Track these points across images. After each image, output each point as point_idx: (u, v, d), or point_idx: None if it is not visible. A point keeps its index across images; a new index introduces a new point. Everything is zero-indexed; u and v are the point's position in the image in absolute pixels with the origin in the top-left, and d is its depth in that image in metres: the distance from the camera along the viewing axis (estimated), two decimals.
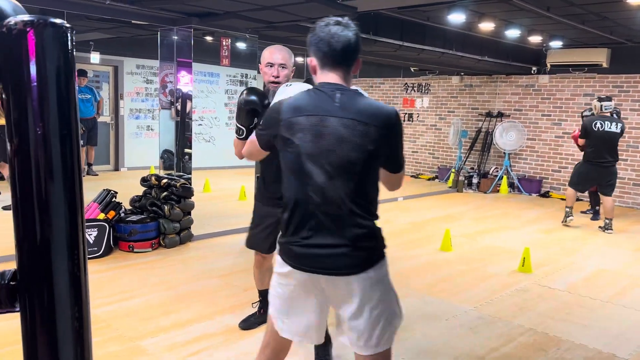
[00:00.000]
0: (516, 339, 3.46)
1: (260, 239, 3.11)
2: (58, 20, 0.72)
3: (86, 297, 0.79)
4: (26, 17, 0.72)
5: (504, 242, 6.10)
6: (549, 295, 4.36)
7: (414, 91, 11.45)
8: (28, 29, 0.70)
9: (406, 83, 11.54)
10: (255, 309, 3.51)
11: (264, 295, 3.32)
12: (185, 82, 5.69)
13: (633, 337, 3.58)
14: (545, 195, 9.52)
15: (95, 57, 8.77)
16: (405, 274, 4.70)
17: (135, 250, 4.97)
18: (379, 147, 1.77)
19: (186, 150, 5.89)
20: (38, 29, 0.70)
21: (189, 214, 5.44)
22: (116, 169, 9.90)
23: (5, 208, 6.10)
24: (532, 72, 9.63)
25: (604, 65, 8.61)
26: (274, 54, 2.87)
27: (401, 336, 3.42)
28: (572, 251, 5.81)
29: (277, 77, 2.84)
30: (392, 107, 1.85)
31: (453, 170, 10.21)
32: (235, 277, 4.42)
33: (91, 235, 4.72)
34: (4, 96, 0.72)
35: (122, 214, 5.16)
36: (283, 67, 2.85)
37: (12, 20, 0.70)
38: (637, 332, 3.67)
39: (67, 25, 0.73)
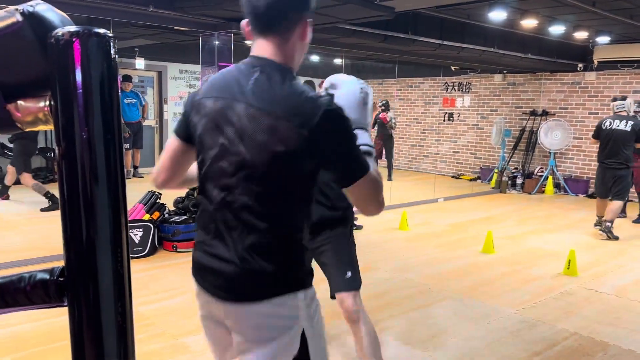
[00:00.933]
0: (560, 344, 3.37)
1: None
2: (101, 31, 0.76)
3: (129, 294, 0.83)
4: (72, 28, 0.76)
5: (548, 244, 5.94)
6: (596, 298, 4.22)
7: (455, 90, 11.27)
8: (74, 39, 0.74)
9: (446, 82, 11.38)
10: None
11: None
12: None
13: None
14: (593, 196, 9.19)
15: (140, 62, 9.05)
16: (445, 276, 4.64)
17: (178, 249, 5.10)
18: (298, 151, 1.28)
19: None
20: (83, 39, 0.74)
21: None
22: None
23: (43, 210, 6.38)
24: (579, 69, 9.33)
25: None
26: None
27: (441, 339, 3.39)
28: (620, 253, 5.60)
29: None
30: (325, 101, 1.29)
31: (496, 170, 10.00)
32: None
33: (137, 235, 4.87)
34: (52, 102, 0.77)
35: (166, 215, 5.30)
36: None
37: (59, 31, 0.75)
38: None
39: (110, 34, 0.77)
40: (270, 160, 1.29)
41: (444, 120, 11.46)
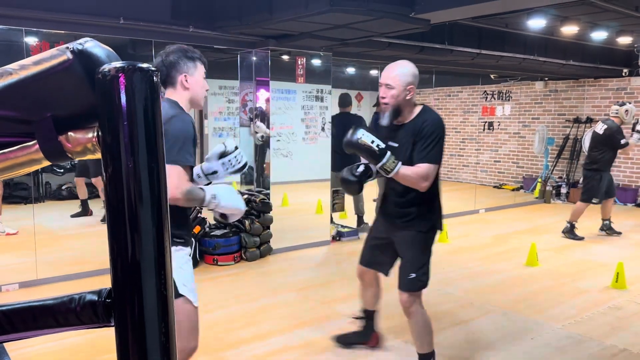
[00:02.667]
0: None
1: (364, 249, 3.19)
2: (145, 65, 0.81)
3: (172, 313, 0.87)
4: (118, 63, 0.81)
5: (595, 256, 5.74)
6: None
7: (494, 99, 11.09)
8: (119, 74, 0.78)
9: (485, 91, 11.21)
10: (356, 324, 3.40)
11: (366, 313, 3.31)
12: (264, 99, 5.91)
13: None
14: None
15: None
16: (487, 290, 4.55)
17: (219, 263, 5.19)
18: None
19: (264, 166, 6.11)
20: (128, 73, 0.79)
21: (268, 228, 5.61)
22: None
23: (73, 216, 6.67)
24: (624, 74, 9.03)
25: None
26: (383, 73, 2.75)
27: (483, 355, 3.32)
28: None
29: (384, 97, 2.70)
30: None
31: (539, 179, 9.75)
32: (312, 291, 4.49)
33: None
34: (99, 134, 0.82)
35: (207, 229, 5.41)
36: (389, 87, 2.68)
37: (106, 67, 0.80)
38: None
39: (153, 68, 0.82)
40: None
41: (483, 129, 11.28)
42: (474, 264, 5.39)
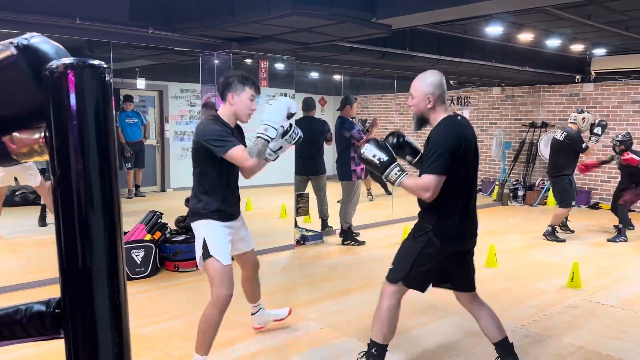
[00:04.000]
0: (566, 358, 3.34)
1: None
2: (96, 62, 0.77)
3: (126, 323, 0.82)
4: (67, 60, 0.76)
5: (552, 256, 5.91)
6: (601, 311, 4.18)
7: (453, 104, 11.31)
8: (68, 71, 0.74)
9: None
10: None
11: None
12: None
13: None
14: (595, 206, 9.18)
15: (141, 82, 9.11)
16: (449, 292, 4.59)
17: (180, 269, 5.08)
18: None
19: None
20: (77, 70, 0.75)
21: None
22: (163, 189, 10.18)
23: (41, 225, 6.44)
24: (576, 80, 9.37)
25: None
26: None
27: (445, 355, 3.36)
28: (624, 265, 5.56)
29: (410, 105, 2.90)
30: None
31: (497, 183, 9.99)
32: (277, 296, 4.44)
33: (138, 255, 4.86)
34: (47, 134, 0.77)
35: (168, 235, 5.30)
36: (411, 96, 2.86)
37: (53, 63, 0.75)
38: None
39: (105, 65, 0.78)
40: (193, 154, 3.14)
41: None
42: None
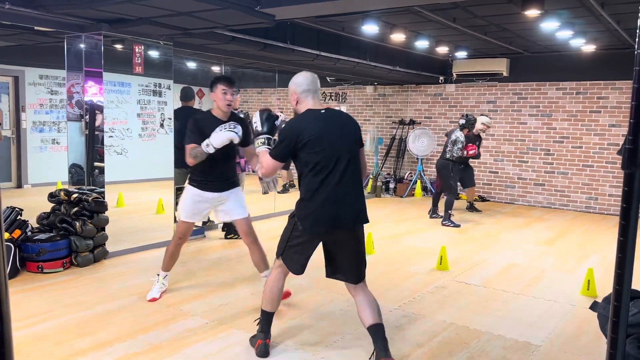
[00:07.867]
0: (440, 334, 3.60)
1: None
2: None
3: (8, 325, 0.72)
4: None
5: (422, 242, 6.34)
6: (466, 290, 4.58)
7: (332, 100, 11.65)
8: None
9: (324, 92, 11.72)
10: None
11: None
12: (93, 92, 5.41)
13: (544, 325, 3.84)
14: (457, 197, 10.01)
15: None
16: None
17: (45, 270, 4.63)
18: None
19: (96, 163, 5.59)
20: None
21: (103, 230, 5.16)
22: (19, 186, 9.19)
23: None
24: (440, 81, 10.14)
25: (504, 74, 9.25)
26: None
27: (331, 338, 3.45)
28: (484, 247, 6.15)
29: None
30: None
31: (371, 176, 10.48)
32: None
33: None
34: None
35: (29, 233, 4.80)
36: None
37: None
38: (547, 320, 3.94)
39: None
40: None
41: None
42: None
